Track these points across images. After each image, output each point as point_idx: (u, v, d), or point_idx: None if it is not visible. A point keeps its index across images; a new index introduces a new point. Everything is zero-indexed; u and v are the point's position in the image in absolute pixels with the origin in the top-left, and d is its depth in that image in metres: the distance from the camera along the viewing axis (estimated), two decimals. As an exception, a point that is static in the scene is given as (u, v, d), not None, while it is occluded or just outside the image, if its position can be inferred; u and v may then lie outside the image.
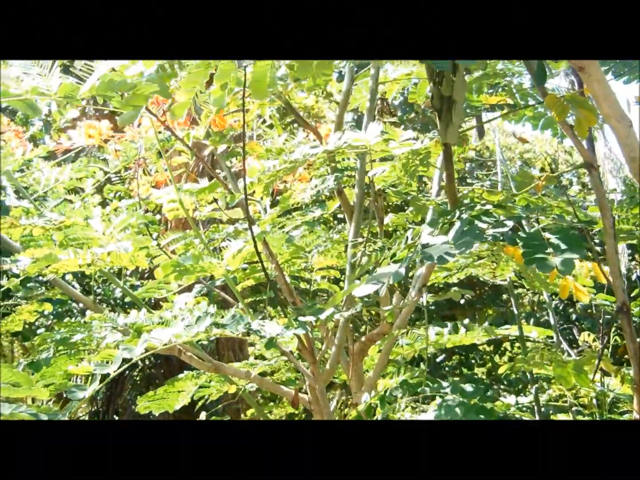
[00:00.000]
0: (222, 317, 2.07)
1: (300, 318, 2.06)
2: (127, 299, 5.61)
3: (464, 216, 1.67)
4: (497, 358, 7.32)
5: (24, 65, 1.39)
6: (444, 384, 1.89)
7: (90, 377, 1.79)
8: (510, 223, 1.67)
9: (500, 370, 2.63)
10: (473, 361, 7.36)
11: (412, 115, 6.96)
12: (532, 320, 7.05)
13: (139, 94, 1.54)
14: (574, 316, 6.93)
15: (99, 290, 5.75)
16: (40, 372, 2.11)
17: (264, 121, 2.89)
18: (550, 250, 1.60)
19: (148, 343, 1.76)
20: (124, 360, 1.87)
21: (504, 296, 7.42)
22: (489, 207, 1.77)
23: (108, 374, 1.75)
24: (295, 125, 7.01)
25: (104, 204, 3.65)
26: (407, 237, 1.82)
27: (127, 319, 2.12)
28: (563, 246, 1.62)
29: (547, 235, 1.64)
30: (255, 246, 1.90)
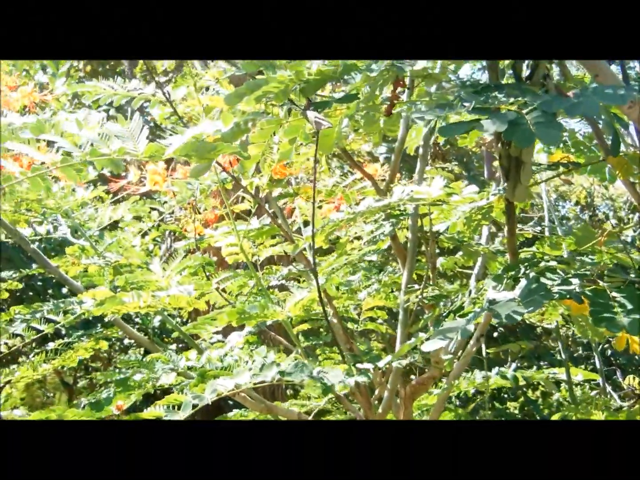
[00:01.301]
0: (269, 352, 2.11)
1: (359, 365, 2.09)
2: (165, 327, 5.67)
3: (531, 274, 1.69)
4: (530, 392, 7.25)
5: (117, 131, 1.45)
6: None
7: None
8: (576, 281, 1.69)
9: (554, 418, 2.63)
10: (505, 395, 7.29)
11: (447, 147, 6.98)
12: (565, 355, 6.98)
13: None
14: (609, 351, 6.86)
15: (137, 320, 5.81)
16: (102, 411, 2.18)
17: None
18: (617, 309, 1.62)
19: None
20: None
21: (537, 330, 7.37)
22: (552, 263, 1.79)
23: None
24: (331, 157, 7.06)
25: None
26: (470, 291, 1.84)
27: (188, 362, 2.16)
28: (630, 306, 1.64)
29: (613, 294, 1.66)
30: (320, 298, 1.94)
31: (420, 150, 2.64)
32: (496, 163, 3.28)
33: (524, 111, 1.33)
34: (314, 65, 1.56)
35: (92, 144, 1.51)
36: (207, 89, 2.64)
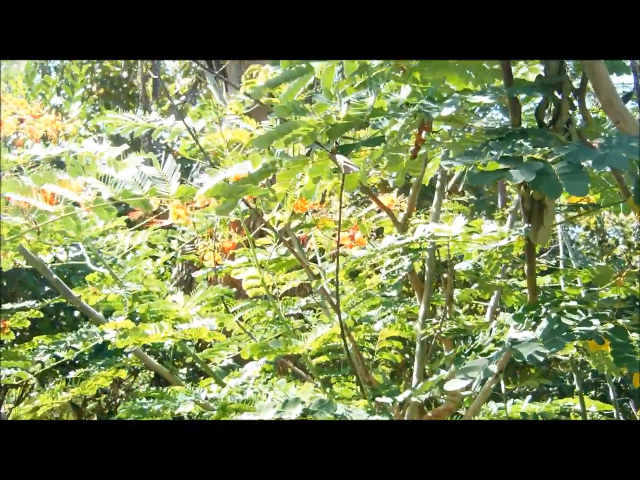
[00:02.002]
0: (289, 386, 2.13)
1: (378, 399, 2.12)
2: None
3: (553, 315, 1.72)
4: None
5: (151, 173, 1.49)
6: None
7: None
8: (596, 322, 1.71)
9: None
10: (515, 421, 7.25)
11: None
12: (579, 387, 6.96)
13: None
14: (619, 378, 6.84)
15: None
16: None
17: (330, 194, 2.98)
18: (637, 349, 1.64)
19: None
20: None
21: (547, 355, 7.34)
22: (573, 303, 1.82)
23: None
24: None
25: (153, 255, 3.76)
26: (491, 329, 1.87)
27: (209, 394, 2.19)
28: (649, 346, 1.66)
29: (633, 334, 1.68)
30: (343, 334, 1.96)
31: (437, 184, 2.67)
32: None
33: (550, 160, 1.37)
34: (343, 110, 1.60)
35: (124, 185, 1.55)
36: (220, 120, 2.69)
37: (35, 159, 2.54)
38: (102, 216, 1.67)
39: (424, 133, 1.68)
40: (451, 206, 2.88)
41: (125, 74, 6.92)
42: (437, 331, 2.26)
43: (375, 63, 1.84)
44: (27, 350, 2.36)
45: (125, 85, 7.32)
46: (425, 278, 2.54)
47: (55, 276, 2.49)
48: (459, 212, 2.88)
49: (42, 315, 2.68)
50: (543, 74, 1.71)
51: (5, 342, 2.77)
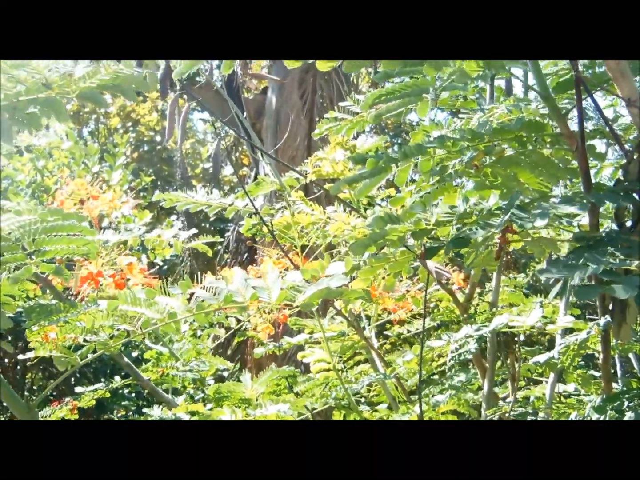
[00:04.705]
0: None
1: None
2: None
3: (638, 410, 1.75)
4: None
5: (256, 284, 1.56)
6: None
7: None
8: (681, 415, 1.74)
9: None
10: None
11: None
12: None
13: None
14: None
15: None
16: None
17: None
18: None
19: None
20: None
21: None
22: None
23: None
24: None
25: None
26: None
27: None
28: None
29: None
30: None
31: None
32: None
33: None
34: (433, 218, 1.67)
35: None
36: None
37: (107, 244, 2.62)
38: (201, 320, 1.74)
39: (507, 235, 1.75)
40: (508, 282, 2.93)
41: (158, 138, 7.08)
42: (507, 414, 2.29)
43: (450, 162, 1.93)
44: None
45: (158, 147, 7.46)
46: (488, 357, 2.58)
47: (126, 359, 2.54)
48: (515, 287, 2.93)
49: (108, 394, 2.73)
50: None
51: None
